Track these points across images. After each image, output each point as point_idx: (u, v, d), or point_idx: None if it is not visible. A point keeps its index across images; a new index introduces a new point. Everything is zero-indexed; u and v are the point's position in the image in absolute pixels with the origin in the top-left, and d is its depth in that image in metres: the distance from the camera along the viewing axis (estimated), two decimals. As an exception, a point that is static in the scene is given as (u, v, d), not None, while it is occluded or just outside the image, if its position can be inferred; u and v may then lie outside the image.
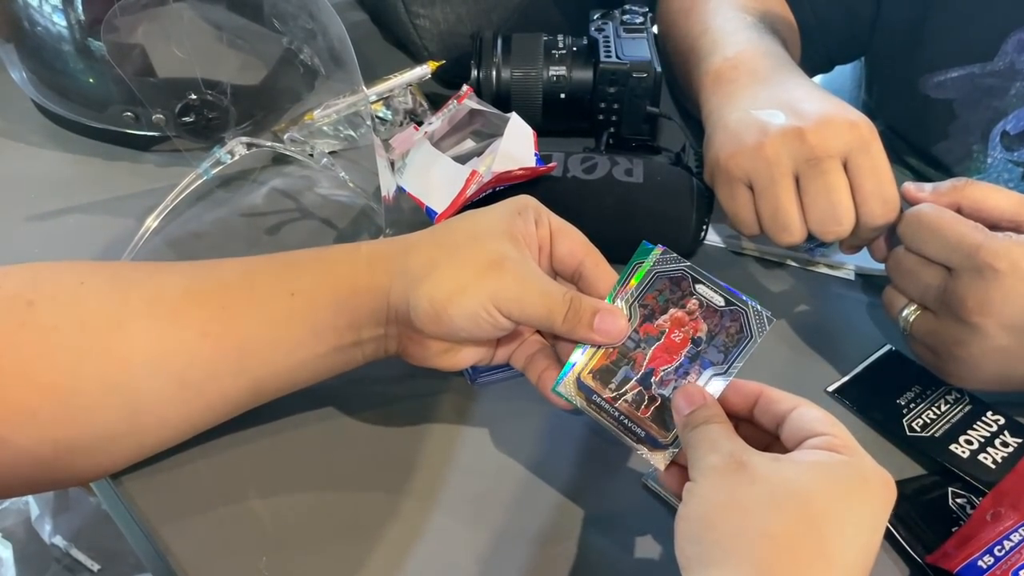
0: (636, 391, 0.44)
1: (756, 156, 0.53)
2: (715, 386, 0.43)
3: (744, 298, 0.44)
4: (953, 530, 0.46)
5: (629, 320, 0.44)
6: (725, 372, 0.43)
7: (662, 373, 0.44)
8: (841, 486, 0.36)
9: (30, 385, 0.41)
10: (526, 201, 0.47)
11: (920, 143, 0.77)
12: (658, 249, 0.46)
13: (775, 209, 0.53)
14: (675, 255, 0.46)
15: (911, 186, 0.53)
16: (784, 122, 0.53)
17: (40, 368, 0.41)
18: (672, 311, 0.44)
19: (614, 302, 0.45)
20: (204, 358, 0.43)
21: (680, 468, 0.42)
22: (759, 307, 0.44)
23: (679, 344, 0.44)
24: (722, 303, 0.44)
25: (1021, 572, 0.43)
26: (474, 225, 0.46)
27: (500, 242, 0.44)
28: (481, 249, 0.44)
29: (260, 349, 0.45)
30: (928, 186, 0.53)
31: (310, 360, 0.46)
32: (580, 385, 0.44)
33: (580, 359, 0.45)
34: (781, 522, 0.35)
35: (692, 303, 0.44)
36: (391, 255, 0.46)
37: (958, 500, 0.48)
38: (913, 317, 0.51)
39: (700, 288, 0.45)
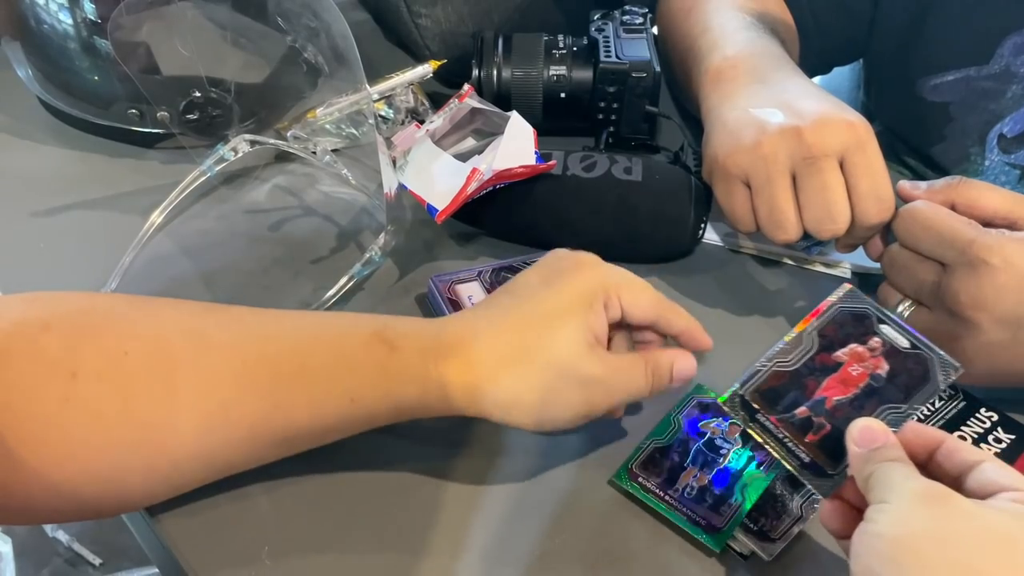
0: (804, 416, 0.42)
1: (753, 154, 0.54)
2: (891, 424, 0.41)
3: (931, 346, 0.43)
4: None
5: (808, 349, 0.43)
6: (903, 412, 0.42)
7: (835, 403, 0.42)
8: None
9: (75, 468, 0.40)
10: (593, 286, 0.46)
11: (918, 145, 0.77)
12: (846, 285, 0.45)
13: (771, 207, 0.54)
14: (861, 295, 0.45)
15: (906, 184, 0.54)
16: (782, 121, 0.54)
17: (86, 455, 0.40)
18: (852, 345, 0.43)
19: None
20: (251, 450, 0.44)
21: (841, 502, 0.41)
22: (945, 356, 0.43)
23: (856, 378, 0.42)
24: (907, 345, 0.43)
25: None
26: (551, 342, 0.44)
27: (584, 362, 0.44)
28: (567, 377, 0.44)
29: (308, 439, 0.45)
30: (923, 184, 0.53)
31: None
32: (743, 404, 0.43)
33: None
34: (992, 561, 0.34)
35: (874, 341, 0.43)
36: (468, 386, 0.44)
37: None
38: (908, 313, 0.52)
39: (884, 328, 0.44)
